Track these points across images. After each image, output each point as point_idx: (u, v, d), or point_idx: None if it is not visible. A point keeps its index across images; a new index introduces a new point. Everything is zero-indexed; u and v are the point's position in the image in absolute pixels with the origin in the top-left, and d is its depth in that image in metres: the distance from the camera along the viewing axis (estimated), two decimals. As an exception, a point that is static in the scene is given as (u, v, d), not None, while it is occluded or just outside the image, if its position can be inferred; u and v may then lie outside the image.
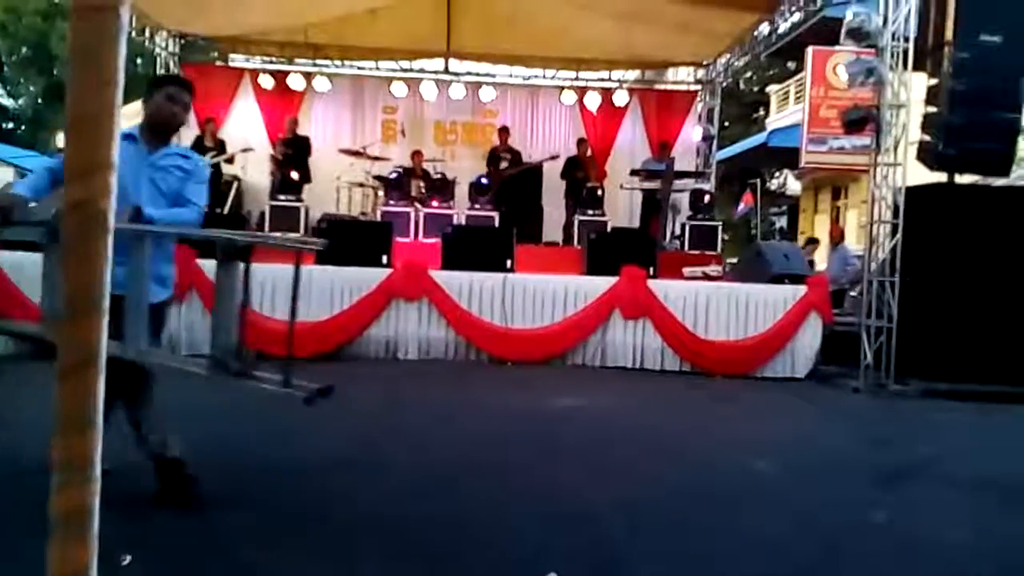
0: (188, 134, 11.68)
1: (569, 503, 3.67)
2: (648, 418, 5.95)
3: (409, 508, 3.51)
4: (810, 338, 7.92)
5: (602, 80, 13.31)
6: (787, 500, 3.95)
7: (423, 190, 11.07)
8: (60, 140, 18.95)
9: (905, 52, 7.64)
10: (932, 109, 7.88)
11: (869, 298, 7.71)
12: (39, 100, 31.60)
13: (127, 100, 0.99)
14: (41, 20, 28.60)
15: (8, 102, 32.78)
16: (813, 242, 13.12)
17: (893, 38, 7.60)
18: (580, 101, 12.82)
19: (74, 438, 0.92)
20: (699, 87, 13.31)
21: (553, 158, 11.72)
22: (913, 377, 7.44)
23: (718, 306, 7.90)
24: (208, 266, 7.37)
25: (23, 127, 32.14)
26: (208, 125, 11.22)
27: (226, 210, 10.44)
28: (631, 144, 12.94)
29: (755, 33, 11.25)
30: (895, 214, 7.67)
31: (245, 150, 10.99)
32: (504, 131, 11.93)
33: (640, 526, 3.42)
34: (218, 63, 12.94)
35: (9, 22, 28.76)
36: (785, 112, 20.83)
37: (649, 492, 3.93)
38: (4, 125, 32.24)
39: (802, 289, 7.97)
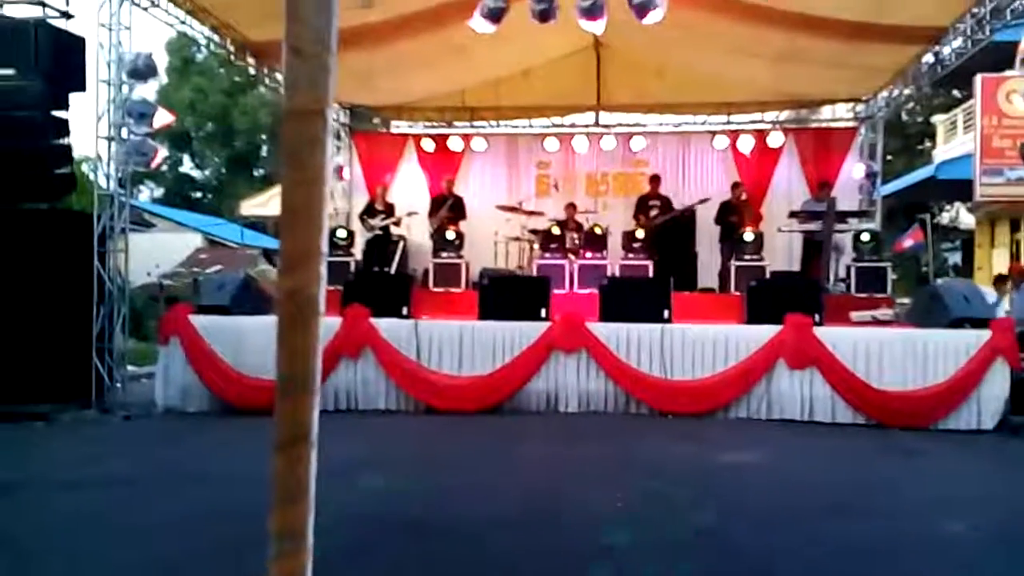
0: (358, 199, 12.53)
1: (746, 562, 3.61)
2: (823, 473, 5.73)
3: (584, 568, 3.56)
4: (997, 387, 7.37)
5: (754, 122, 13.11)
6: (983, 568, 3.71)
7: (576, 242, 11.25)
8: (244, 207, 20.70)
9: (1092, 77, 7.13)
10: None
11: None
12: (223, 171, 34.65)
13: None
14: (224, 97, 31.46)
15: (196, 173, 36.12)
16: (1003, 279, 12.09)
17: (1077, 63, 7.13)
18: (733, 145, 12.67)
19: (289, 509, 0.98)
20: (858, 123, 12.85)
21: (703, 202, 11.63)
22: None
23: (892, 354, 7.52)
24: (381, 324, 7.86)
25: (209, 196, 35.25)
26: (379, 190, 11.97)
27: (393, 269, 11.03)
28: (788, 186, 12.62)
29: (918, 64, 10.78)
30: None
31: (410, 214, 11.66)
32: (655, 179, 11.96)
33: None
34: (380, 130, 13.78)
35: (197, 100, 31.84)
36: (953, 142, 19.63)
37: (832, 553, 3.80)
38: (192, 194, 35.49)
39: (986, 334, 7.46)
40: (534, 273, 10.60)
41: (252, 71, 10.89)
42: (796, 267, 11.35)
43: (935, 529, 4.22)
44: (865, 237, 10.78)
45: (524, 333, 7.93)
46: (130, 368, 8.74)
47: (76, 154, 8.97)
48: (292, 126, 0.98)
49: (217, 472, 5.41)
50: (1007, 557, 3.87)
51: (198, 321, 8.08)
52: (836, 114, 13.82)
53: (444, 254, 10.91)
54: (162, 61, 26.76)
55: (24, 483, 5.04)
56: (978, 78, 15.11)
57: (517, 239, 11.64)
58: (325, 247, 0.99)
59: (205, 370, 7.94)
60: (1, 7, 8.39)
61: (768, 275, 10.31)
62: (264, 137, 33.60)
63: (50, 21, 8.21)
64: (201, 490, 4.96)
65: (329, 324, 7.89)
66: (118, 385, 8.22)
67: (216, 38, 9.87)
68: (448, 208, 11.64)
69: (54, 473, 5.46)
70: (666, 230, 11.42)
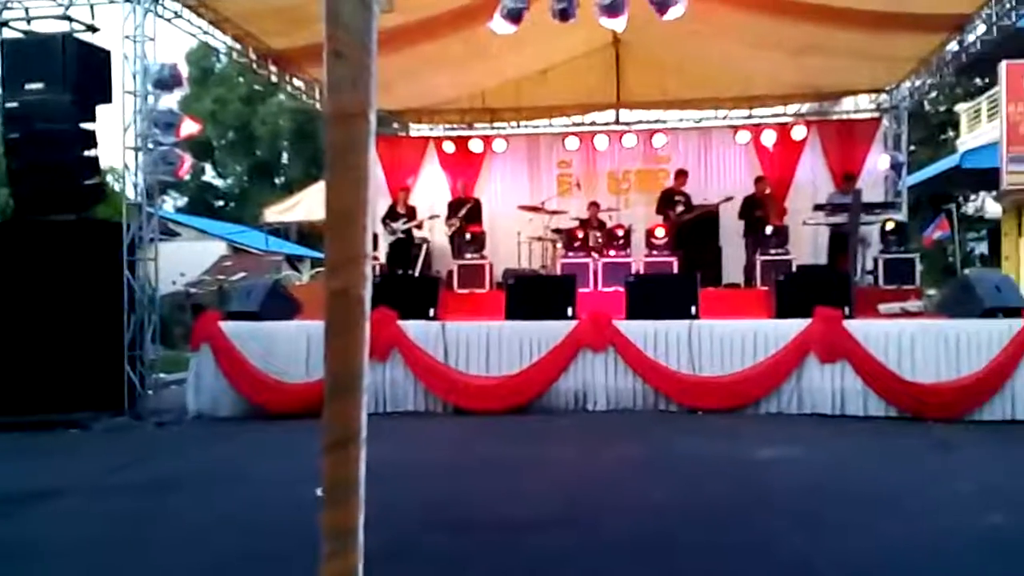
0: (381, 203, 12.57)
1: (787, 559, 3.59)
2: (859, 468, 5.67)
3: (628, 568, 3.55)
4: (1032, 377, 7.28)
5: (776, 116, 13.03)
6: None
7: (600, 240, 11.23)
8: (267, 214, 20.85)
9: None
10: None
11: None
12: (245, 179, 34.95)
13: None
14: (244, 106, 31.74)
15: (219, 182, 36.46)
16: None
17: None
18: (755, 139, 12.59)
19: (339, 509, 1.00)
20: (881, 113, 12.73)
21: (727, 200, 11.57)
22: None
23: (924, 345, 7.44)
24: (408, 326, 7.89)
25: (232, 204, 35.58)
26: (401, 194, 12.03)
27: (417, 271, 11.07)
28: (812, 178, 12.51)
29: (942, 53, 10.66)
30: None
31: (432, 217, 11.72)
32: (682, 173, 11.88)
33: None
34: (400, 134, 13.82)
35: (218, 110, 32.15)
36: (978, 131, 19.40)
37: (872, 549, 3.76)
38: (215, 203, 35.83)
39: (1019, 323, 7.36)
40: (558, 272, 10.60)
41: (274, 79, 10.98)
42: (822, 260, 11.26)
43: (975, 522, 4.17)
44: (891, 228, 10.69)
45: (551, 332, 7.93)
46: (160, 375, 8.82)
47: (103, 165, 9.07)
48: (336, 129, 0.98)
49: (255, 474, 5.46)
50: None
51: (228, 327, 8.15)
52: (858, 105, 13.68)
53: (467, 255, 10.94)
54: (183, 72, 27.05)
55: (65, 489, 5.10)
56: (1003, 65, 14.95)
57: (540, 239, 11.64)
58: (370, 249, 1.00)
59: (236, 375, 8.01)
60: (30, 23, 8.52)
61: (794, 269, 10.23)
62: (285, 144, 33.85)
63: (76, 35, 8.32)
64: (243, 490, 5.01)
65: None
66: (149, 392, 8.30)
67: (238, 47, 9.95)
68: (466, 212, 11.66)
69: (95, 478, 5.53)
70: (690, 226, 11.37)
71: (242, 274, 19.28)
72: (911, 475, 5.46)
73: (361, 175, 0.98)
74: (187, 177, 32.38)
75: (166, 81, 8.37)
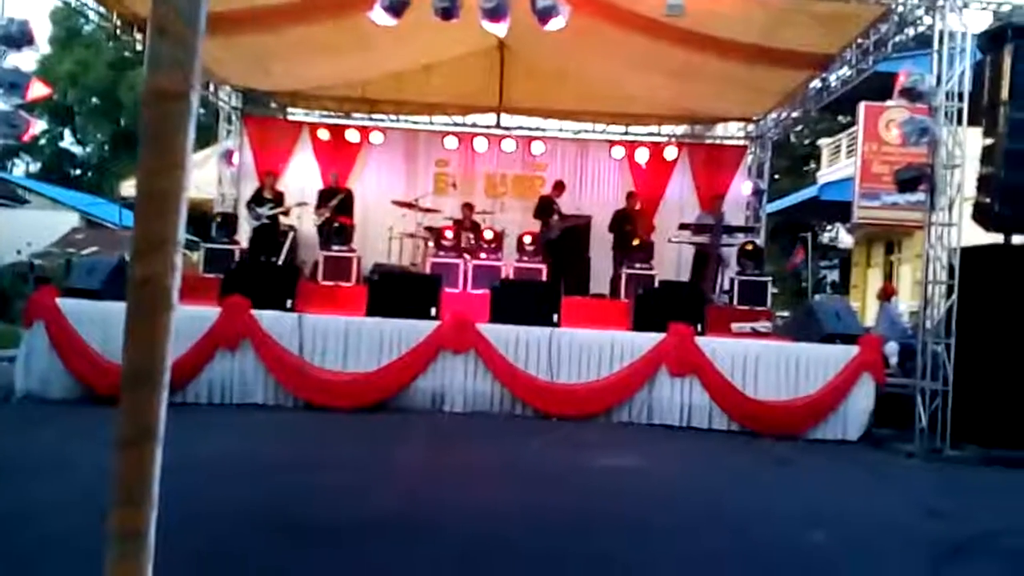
0: (249, 186, 12.09)
1: (615, 570, 3.64)
2: (695, 481, 5.86)
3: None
4: (863, 400, 7.75)
5: (651, 134, 13.42)
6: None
7: (472, 242, 11.21)
8: (125, 188, 19.71)
9: (959, 111, 7.58)
10: (988, 169, 7.78)
11: (924, 360, 7.55)
12: (106, 148, 32.90)
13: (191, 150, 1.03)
14: (111, 71, 29.88)
15: (77, 149, 34.19)
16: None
17: (947, 98, 7.55)
18: (629, 155, 12.92)
19: (130, 509, 0.94)
20: (749, 141, 13.33)
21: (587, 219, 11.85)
22: (969, 443, 7.23)
23: (768, 365, 7.81)
24: (263, 316, 7.59)
25: (90, 173, 33.44)
26: (268, 178, 11.59)
27: (282, 260, 10.71)
28: (680, 198, 12.94)
29: (806, 89, 11.26)
30: (950, 275, 7.54)
31: (300, 204, 11.34)
32: (560, 185, 12.01)
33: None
34: (277, 116, 13.35)
35: (79, 73, 30.13)
36: (837, 166, 20.64)
37: (691, 559, 3.87)
38: (72, 172, 33.60)
39: (854, 349, 7.84)
40: (428, 271, 10.50)
41: (139, 47, 10.35)
42: (686, 277, 11.67)
43: (797, 539, 4.36)
44: (749, 251, 11.19)
45: (413, 331, 7.82)
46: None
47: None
48: (153, 107, 0.95)
49: (71, 462, 5.08)
50: (860, 566, 4.03)
51: (65, 305, 7.62)
52: (728, 132, 14.29)
53: (335, 247, 10.67)
54: (44, 30, 25.21)
55: None
56: (862, 106, 15.92)
57: (412, 236, 11.51)
58: (182, 236, 0.96)
59: (70, 356, 7.48)
60: None
61: (657, 284, 10.55)
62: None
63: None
64: (51, 480, 4.64)
65: (207, 313, 7.59)
66: (-29, 369, 7.65)
67: (102, 10, 9.32)
68: (337, 203, 11.39)
69: None
70: (561, 235, 11.53)
71: (93, 249, 18.17)
72: (744, 489, 5.68)
73: (177, 158, 0.95)
74: (41, 142, 30.39)
75: (13, 38, 7.72)
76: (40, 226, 19.66)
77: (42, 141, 31.08)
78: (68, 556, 3.33)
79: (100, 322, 7.46)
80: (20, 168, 31.62)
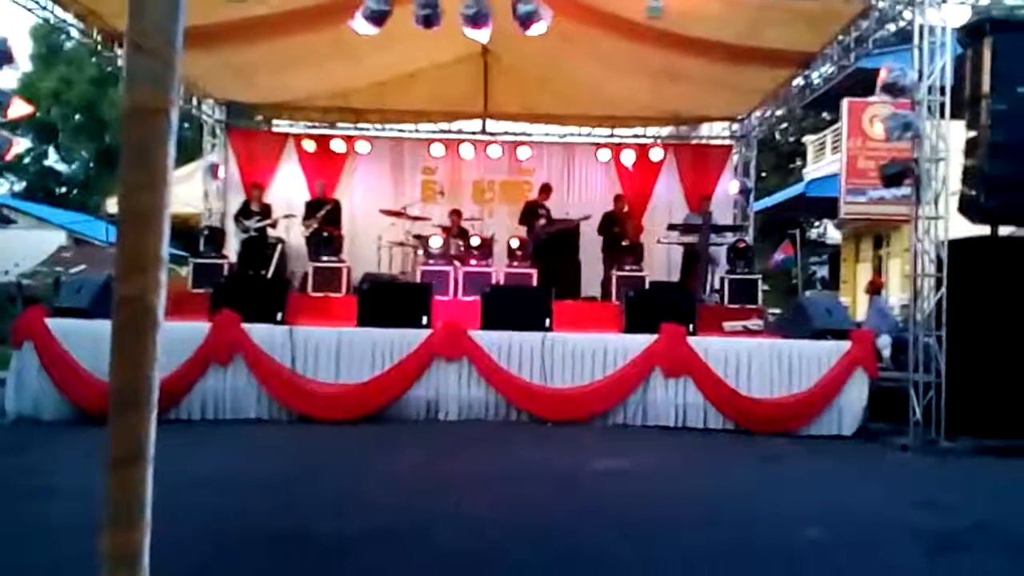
0: (235, 199, 12.05)
1: (612, 571, 3.63)
2: (691, 480, 5.87)
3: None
4: (856, 395, 7.77)
5: (637, 136, 13.45)
6: (837, 573, 3.85)
7: (461, 249, 11.20)
8: (110, 205, 19.63)
9: (942, 105, 7.62)
10: (972, 162, 7.83)
11: (916, 353, 7.59)
12: (91, 165, 32.73)
13: (176, 164, 1.01)
14: (94, 87, 29.71)
15: (62, 167, 34.01)
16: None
17: (929, 92, 7.60)
18: (616, 158, 12.94)
19: (123, 532, 0.92)
20: (734, 141, 13.38)
21: (586, 218, 11.81)
22: (963, 434, 7.27)
23: (760, 363, 7.82)
24: (253, 329, 7.56)
25: (76, 191, 33.26)
26: (254, 191, 11.56)
27: (270, 272, 10.67)
28: (668, 199, 12.98)
29: (789, 87, 11.31)
30: (939, 267, 7.58)
31: (288, 216, 11.31)
32: (547, 189, 12.02)
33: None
34: (262, 128, 13.31)
35: (62, 90, 29.97)
36: (822, 162, 20.76)
37: (692, 560, 3.86)
38: (58, 190, 33.41)
39: (846, 344, 7.86)
40: (418, 279, 10.48)
41: (120, 63, 10.30)
42: (674, 278, 11.69)
43: (793, 534, 4.36)
44: (738, 250, 11.22)
45: (404, 340, 7.80)
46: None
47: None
48: (133, 125, 0.94)
49: (65, 485, 5.03)
50: (856, 560, 4.03)
51: (55, 324, 7.56)
52: (713, 131, 14.33)
53: (324, 258, 10.64)
54: (25, 48, 25.08)
55: None
56: (845, 102, 16.02)
57: (401, 244, 11.49)
58: (166, 253, 0.94)
59: (61, 377, 7.42)
60: None
61: (647, 285, 10.56)
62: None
63: None
64: (45, 503, 4.59)
65: (198, 329, 7.55)
66: (-38, 392, 7.58)
67: (81, 26, 9.28)
68: (325, 213, 11.36)
69: None
70: (551, 239, 11.53)
71: (81, 267, 18.07)
72: (738, 486, 5.68)
73: (159, 176, 0.94)
74: (25, 160, 30.22)
75: (-7, 56, 7.68)
76: (27, 245, 19.55)
77: (26, 160, 30.90)
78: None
79: (90, 341, 7.40)
80: (4, 187, 31.44)
